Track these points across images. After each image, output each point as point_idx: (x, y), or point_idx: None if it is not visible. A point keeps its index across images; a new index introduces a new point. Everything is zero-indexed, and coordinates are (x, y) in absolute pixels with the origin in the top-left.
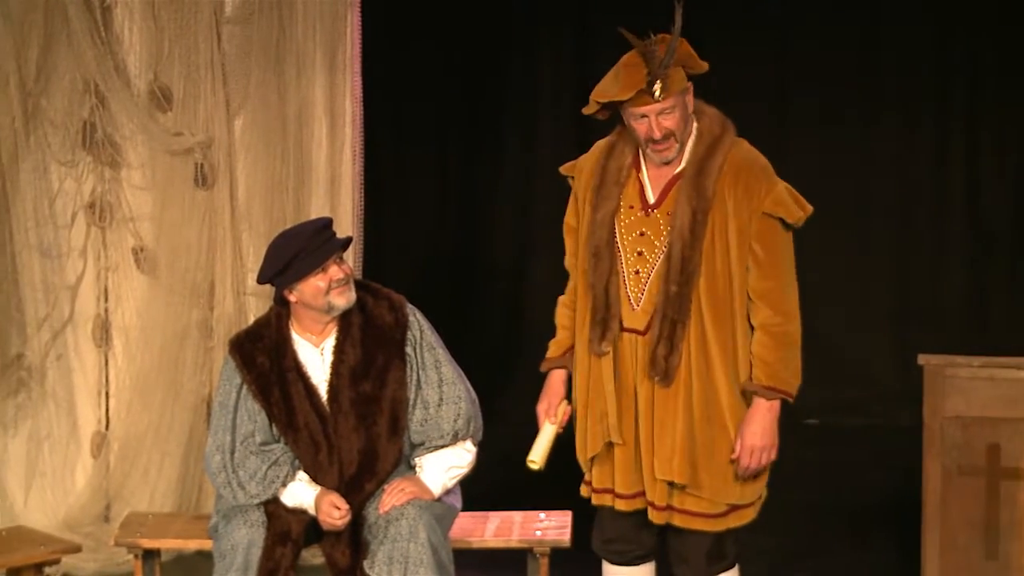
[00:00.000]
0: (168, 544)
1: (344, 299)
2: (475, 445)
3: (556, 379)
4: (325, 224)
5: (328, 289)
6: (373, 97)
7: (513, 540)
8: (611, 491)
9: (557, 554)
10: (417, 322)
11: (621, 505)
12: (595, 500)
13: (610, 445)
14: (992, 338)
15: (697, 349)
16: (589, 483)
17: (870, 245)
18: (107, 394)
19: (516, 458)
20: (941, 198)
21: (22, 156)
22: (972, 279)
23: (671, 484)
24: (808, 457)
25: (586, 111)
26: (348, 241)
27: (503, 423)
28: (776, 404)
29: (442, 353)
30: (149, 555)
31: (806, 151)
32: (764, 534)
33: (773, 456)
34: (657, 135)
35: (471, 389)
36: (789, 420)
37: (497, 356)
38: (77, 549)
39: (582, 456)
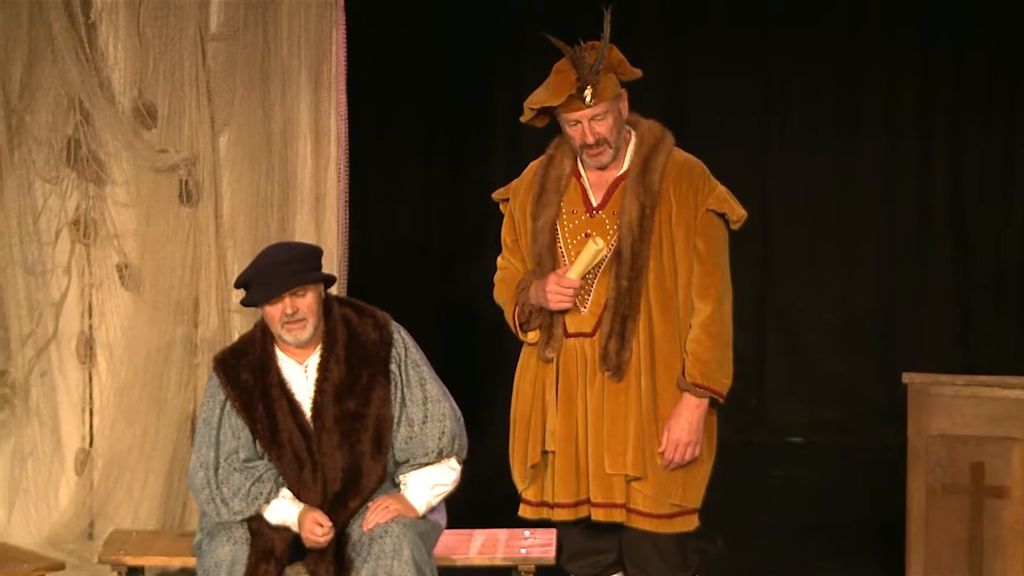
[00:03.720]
0: (152, 561)
1: (292, 336)
2: (460, 463)
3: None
4: (302, 255)
5: (281, 322)
6: (358, 114)
7: (498, 557)
8: (549, 504)
9: (542, 571)
10: (402, 340)
11: (563, 515)
12: (532, 515)
13: (547, 456)
14: (976, 357)
15: (645, 344)
16: (527, 501)
17: (853, 263)
18: (91, 411)
19: (501, 475)
20: (925, 216)
21: (6, 173)
22: (956, 297)
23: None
24: (792, 475)
25: (523, 119)
26: (310, 279)
27: (488, 441)
28: (705, 402)
29: (427, 371)
30: (133, 572)
31: (789, 170)
32: (748, 552)
33: (696, 452)
34: (590, 140)
35: (456, 407)
36: (774, 438)
37: (482, 374)
38: (61, 566)
39: (520, 468)
